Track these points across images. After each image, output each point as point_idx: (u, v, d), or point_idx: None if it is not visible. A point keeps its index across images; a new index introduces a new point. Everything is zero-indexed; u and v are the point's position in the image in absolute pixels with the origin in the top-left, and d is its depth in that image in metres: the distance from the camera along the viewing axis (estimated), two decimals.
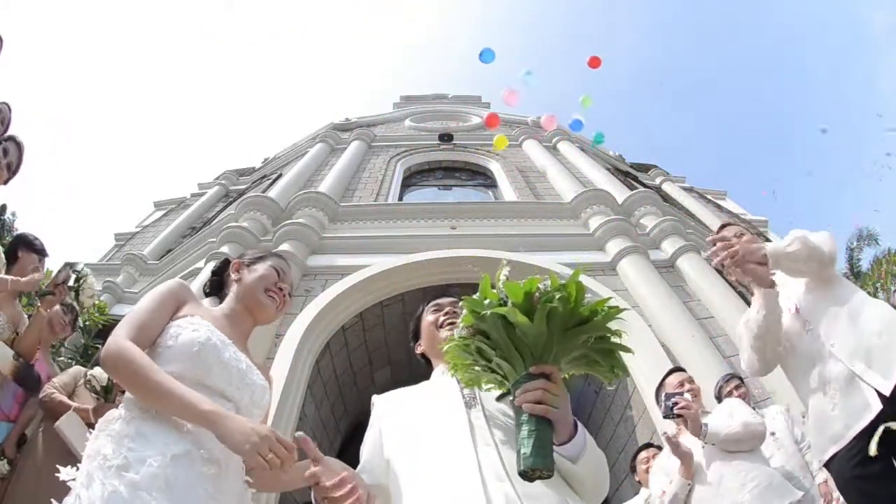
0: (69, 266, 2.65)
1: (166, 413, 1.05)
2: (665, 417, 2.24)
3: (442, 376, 1.27)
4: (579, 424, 0.97)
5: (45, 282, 2.59)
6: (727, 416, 2.35)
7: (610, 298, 0.99)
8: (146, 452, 0.96)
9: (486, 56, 7.77)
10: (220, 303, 1.40)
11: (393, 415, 1.19)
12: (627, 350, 0.99)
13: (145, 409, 1.05)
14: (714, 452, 2.21)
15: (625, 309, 0.97)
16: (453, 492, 0.93)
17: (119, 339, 1.09)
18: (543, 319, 0.91)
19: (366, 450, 1.17)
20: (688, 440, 2.28)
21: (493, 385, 1.04)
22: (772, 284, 1.70)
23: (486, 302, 0.96)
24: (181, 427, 1.03)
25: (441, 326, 1.38)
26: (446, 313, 1.40)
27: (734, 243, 1.68)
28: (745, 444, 2.23)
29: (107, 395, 2.45)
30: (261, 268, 1.37)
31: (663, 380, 2.68)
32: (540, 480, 0.91)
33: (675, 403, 2.25)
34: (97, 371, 2.50)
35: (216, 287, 1.48)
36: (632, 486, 3.47)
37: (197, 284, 4.95)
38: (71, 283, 2.63)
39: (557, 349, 0.94)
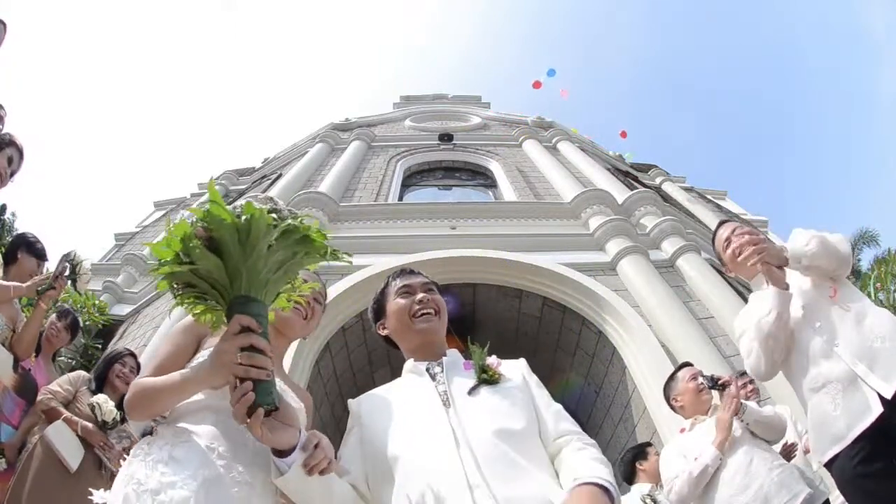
0: (65, 257, 2.66)
1: (189, 395, 1.06)
2: (710, 388, 2.33)
3: (413, 372, 1.24)
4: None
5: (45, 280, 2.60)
6: (755, 405, 2.43)
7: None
8: (178, 476, 0.98)
9: (550, 73, 10.92)
10: None
11: (372, 421, 1.15)
12: (322, 235, 1.02)
13: (177, 434, 1.06)
14: (744, 435, 2.25)
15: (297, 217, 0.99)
16: (437, 499, 0.93)
17: (135, 382, 1.10)
18: (208, 259, 0.92)
19: (344, 454, 1.15)
20: (702, 431, 2.31)
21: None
22: (787, 287, 1.74)
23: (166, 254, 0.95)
24: (213, 451, 1.05)
25: (415, 316, 1.29)
26: (420, 301, 1.30)
27: (762, 240, 1.73)
28: (772, 433, 2.29)
29: (103, 427, 2.46)
30: None
31: (674, 374, 2.69)
32: (521, 481, 0.93)
33: (718, 378, 2.32)
34: (102, 400, 2.51)
35: None
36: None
37: None
38: (66, 273, 2.63)
39: (247, 278, 0.94)
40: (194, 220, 0.93)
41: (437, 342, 1.30)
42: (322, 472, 0.96)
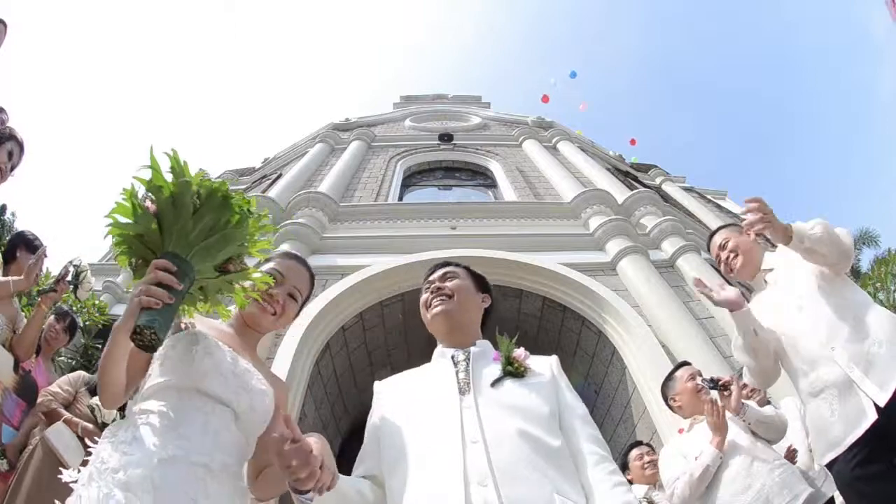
0: (70, 263, 2.67)
1: (124, 346, 1.08)
2: (711, 389, 2.32)
3: (440, 357, 1.24)
4: None
5: (48, 281, 2.60)
6: (756, 404, 2.44)
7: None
8: (136, 456, 1.02)
9: (572, 75, 12.26)
10: None
11: (389, 402, 1.16)
12: (241, 195, 1.12)
13: (141, 414, 1.10)
14: (745, 435, 2.25)
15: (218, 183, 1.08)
16: (435, 494, 0.92)
17: None
18: (147, 221, 1.04)
19: (365, 438, 1.16)
20: (702, 432, 2.31)
21: None
22: (741, 305, 1.79)
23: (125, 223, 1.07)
24: (174, 432, 1.07)
25: (429, 307, 1.30)
26: (433, 290, 1.32)
27: (769, 213, 1.69)
28: (772, 432, 2.30)
29: (102, 428, 2.48)
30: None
31: (672, 373, 2.68)
32: (535, 482, 0.92)
33: (718, 379, 2.32)
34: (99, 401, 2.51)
35: None
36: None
37: None
38: (69, 278, 2.63)
39: (176, 238, 1.05)
40: (144, 192, 1.04)
41: (461, 328, 1.28)
42: (328, 489, 0.93)
